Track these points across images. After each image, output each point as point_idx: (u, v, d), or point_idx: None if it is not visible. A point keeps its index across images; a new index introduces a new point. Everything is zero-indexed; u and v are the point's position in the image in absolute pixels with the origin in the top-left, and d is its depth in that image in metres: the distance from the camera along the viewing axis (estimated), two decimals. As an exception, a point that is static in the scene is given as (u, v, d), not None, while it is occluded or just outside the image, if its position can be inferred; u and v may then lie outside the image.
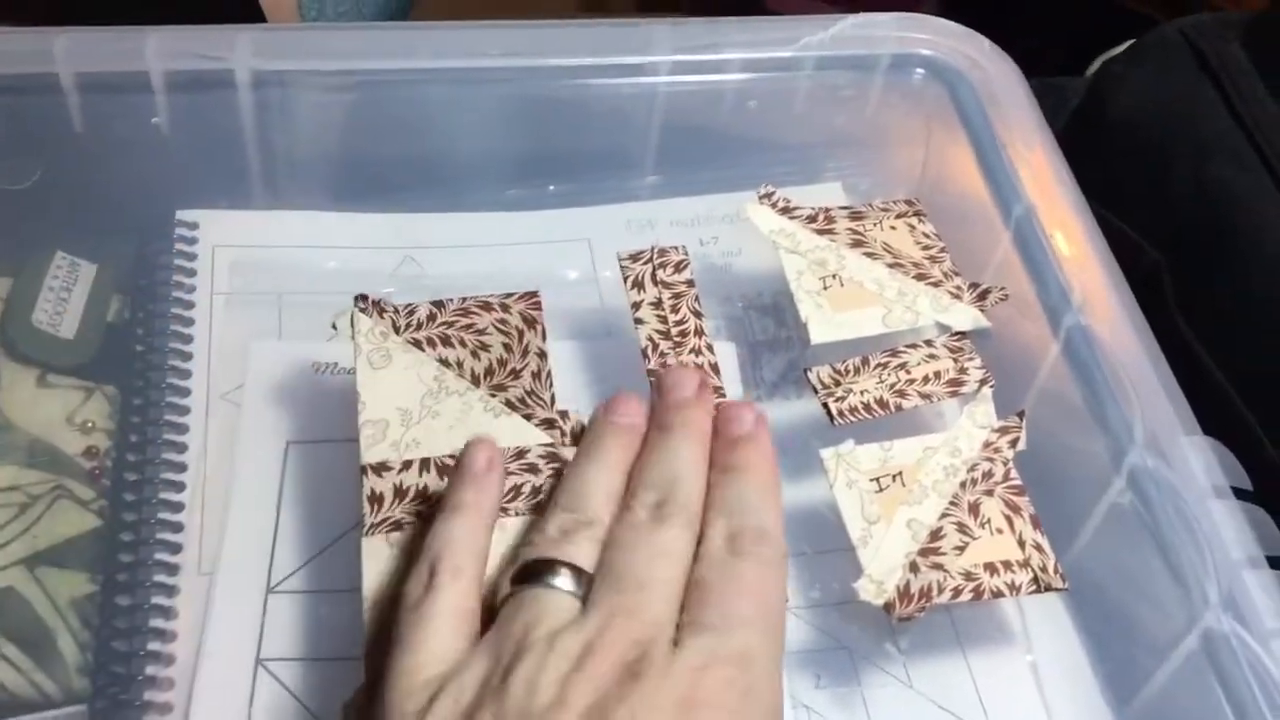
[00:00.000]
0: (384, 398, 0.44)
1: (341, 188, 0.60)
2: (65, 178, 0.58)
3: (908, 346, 0.50)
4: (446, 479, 0.41)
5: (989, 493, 0.45)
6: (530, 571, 0.36)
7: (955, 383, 0.48)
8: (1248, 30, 0.68)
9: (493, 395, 0.44)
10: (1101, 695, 0.47)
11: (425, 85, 0.60)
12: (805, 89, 0.63)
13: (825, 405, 0.47)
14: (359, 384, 0.44)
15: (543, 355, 0.46)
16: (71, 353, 0.53)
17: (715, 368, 0.47)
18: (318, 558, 0.47)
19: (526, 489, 0.41)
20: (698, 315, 0.48)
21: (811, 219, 0.53)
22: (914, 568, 0.43)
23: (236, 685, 0.44)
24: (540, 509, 0.40)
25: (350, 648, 0.40)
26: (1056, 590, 0.43)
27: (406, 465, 0.42)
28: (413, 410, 0.44)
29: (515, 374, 0.45)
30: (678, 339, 0.48)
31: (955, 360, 0.49)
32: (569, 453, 0.42)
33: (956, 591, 0.43)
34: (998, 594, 0.43)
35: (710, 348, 0.48)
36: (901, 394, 0.48)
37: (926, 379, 0.49)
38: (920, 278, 0.51)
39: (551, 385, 0.45)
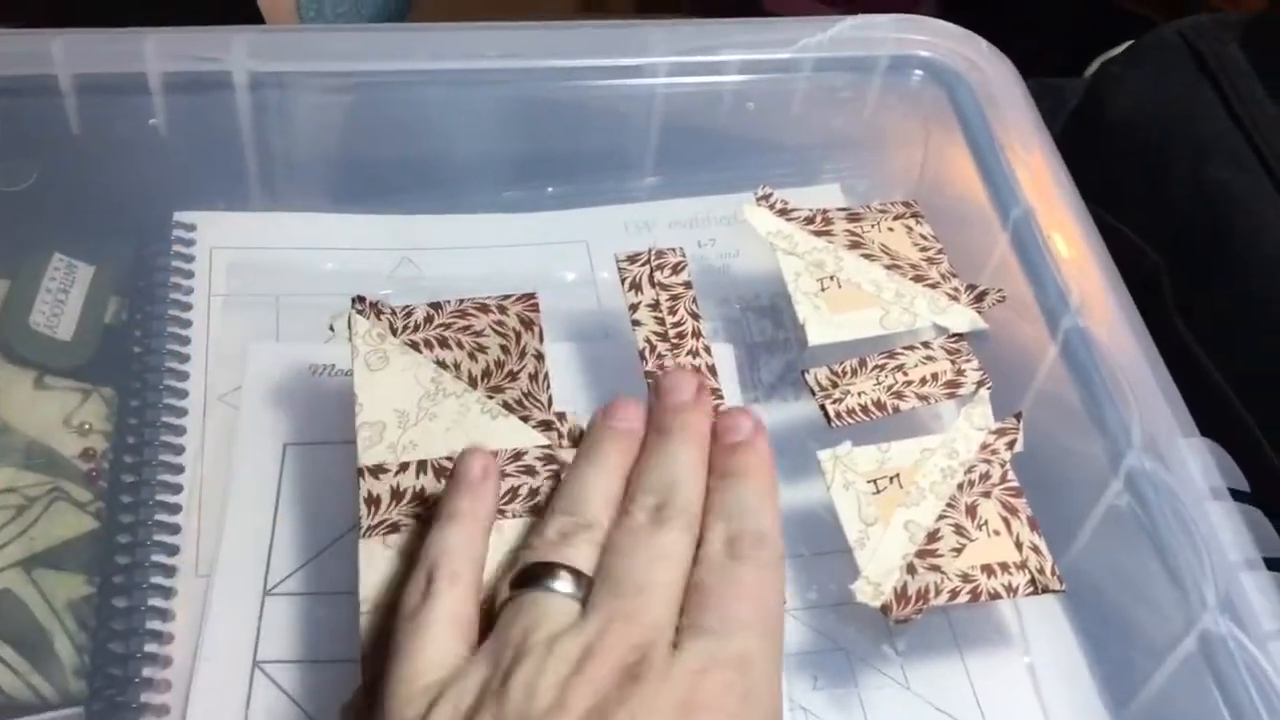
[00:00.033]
0: (381, 400, 0.44)
1: (339, 189, 0.60)
2: (63, 179, 0.58)
3: (905, 348, 0.50)
4: (443, 481, 0.41)
5: (986, 494, 0.45)
6: (529, 575, 0.36)
7: (953, 384, 0.48)
8: (1246, 31, 0.68)
9: (490, 397, 0.44)
10: (1099, 697, 0.47)
11: (423, 87, 0.60)
12: (803, 90, 0.63)
13: (823, 407, 0.47)
14: (356, 386, 0.44)
15: (540, 357, 0.45)
16: (69, 354, 0.53)
17: (713, 369, 0.47)
18: (315, 560, 0.47)
19: (524, 491, 0.41)
20: (695, 317, 0.48)
21: (809, 220, 0.53)
22: (911, 569, 0.43)
23: (233, 688, 0.44)
24: (538, 510, 0.40)
25: (348, 650, 0.40)
26: (1054, 592, 0.43)
27: (404, 467, 0.42)
28: (410, 412, 0.44)
29: (513, 376, 0.45)
30: (675, 341, 0.48)
31: (953, 362, 0.49)
32: (567, 454, 0.42)
33: (954, 593, 0.43)
34: (995, 596, 0.43)
35: (708, 349, 0.48)
36: (899, 396, 0.48)
37: (924, 381, 0.49)
38: (918, 279, 0.51)
39: (549, 387, 0.45)
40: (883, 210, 0.54)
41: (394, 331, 0.46)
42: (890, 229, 0.54)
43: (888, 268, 0.52)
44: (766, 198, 0.54)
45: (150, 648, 0.45)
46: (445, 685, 0.34)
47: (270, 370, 0.52)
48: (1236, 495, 0.47)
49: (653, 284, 0.49)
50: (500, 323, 0.46)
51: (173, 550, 0.47)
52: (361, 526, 0.41)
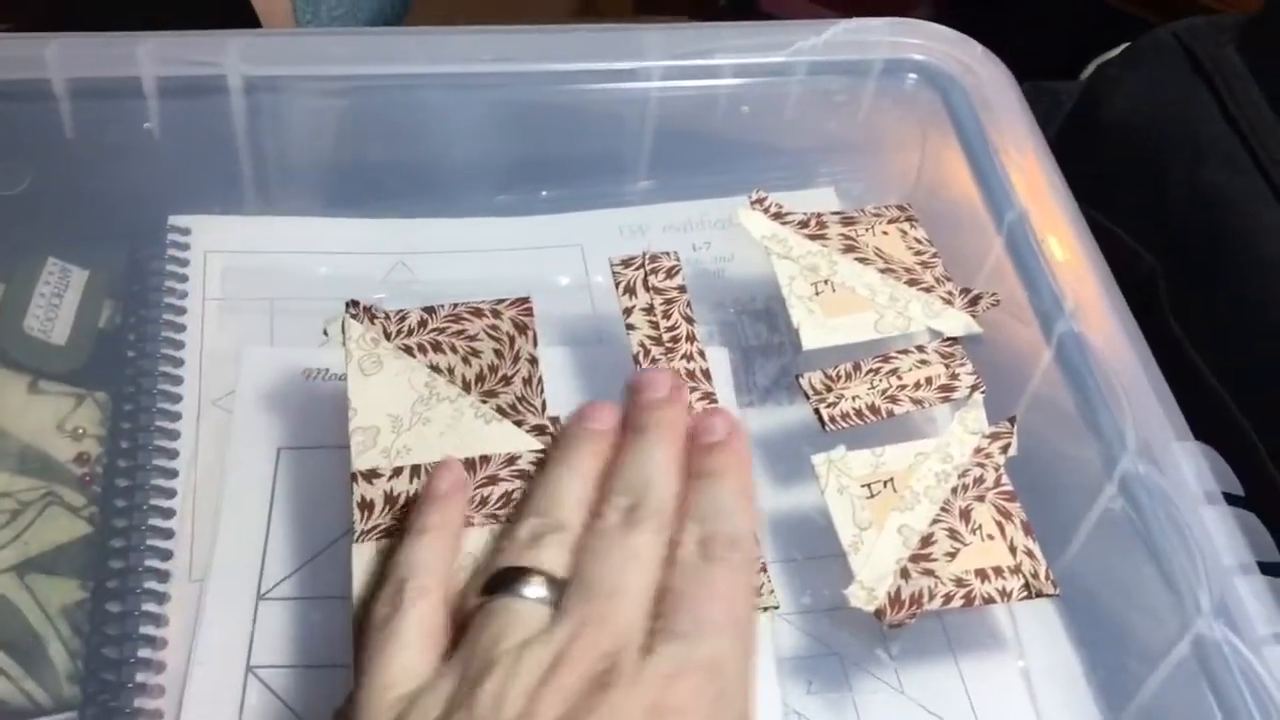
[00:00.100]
0: (375, 404, 0.44)
1: (333, 193, 0.60)
2: (57, 183, 0.58)
3: (899, 352, 0.50)
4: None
5: (980, 499, 0.45)
6: (500, 580, 0.36)
7: (947, 388, 0.48)
8: (1242, 33, 0.68)
9: (484, 401, 0.44)
10: (1093, 702, 0.47)
11: (417, 90, 0.60)
12: (798, 94, 0.63)
13: (817, 411, 0.47)
14: (350, 390, 0.44)
15: (534, 361, 0.45)
16: (63, 359, 0.53)
17: (707, 373, 0.47)
18: (309, 564, 0.47)
19: (517, 495, 0.41)
20: (689, 321, 0.48)
21: (803, 224, 0.53)
22: (905, 574, 0.43)
23: (227, 692, 0.44)
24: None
25: (341, 655, 0.40)
26: (1048, 596, 0.43)
27: (397, 472, 0.42)
28: (403, 417, 0.44)
29: (506, 380, 0.45)
30: (669, 345, 0.48)
31: (947, 366, 0.49)
32: (560, 459, 0.42)
33: (948, 598, 0.43)
34: (989, 600, 0.43)
35: (702, 353, 0.48)
36: (893, 400, 0.48)
37: (918, 385, 0.49)
38: (912, 283, 0.51)
39: (543, 391, 0.45)
40: (877, 214, 0.54)
41: (388, 336, 0.46)
42: (885, 233, 0.54)
43: (882, 271, 0.52)
44: (761, 201, 0.54)
45: (144, 653, 0.45)
46: (415, 696, 0.34)
47: (264, 374, 0.52)
48: (1231, 500, 0.47)
49: (647, 288, 0.49)
50: (494, 327, 0.46)
51: (166, 555, 0.47)
52: (355, 531, 0.41)
